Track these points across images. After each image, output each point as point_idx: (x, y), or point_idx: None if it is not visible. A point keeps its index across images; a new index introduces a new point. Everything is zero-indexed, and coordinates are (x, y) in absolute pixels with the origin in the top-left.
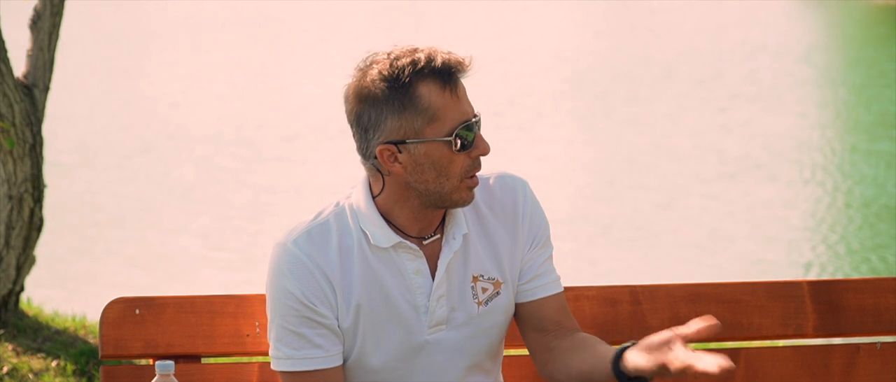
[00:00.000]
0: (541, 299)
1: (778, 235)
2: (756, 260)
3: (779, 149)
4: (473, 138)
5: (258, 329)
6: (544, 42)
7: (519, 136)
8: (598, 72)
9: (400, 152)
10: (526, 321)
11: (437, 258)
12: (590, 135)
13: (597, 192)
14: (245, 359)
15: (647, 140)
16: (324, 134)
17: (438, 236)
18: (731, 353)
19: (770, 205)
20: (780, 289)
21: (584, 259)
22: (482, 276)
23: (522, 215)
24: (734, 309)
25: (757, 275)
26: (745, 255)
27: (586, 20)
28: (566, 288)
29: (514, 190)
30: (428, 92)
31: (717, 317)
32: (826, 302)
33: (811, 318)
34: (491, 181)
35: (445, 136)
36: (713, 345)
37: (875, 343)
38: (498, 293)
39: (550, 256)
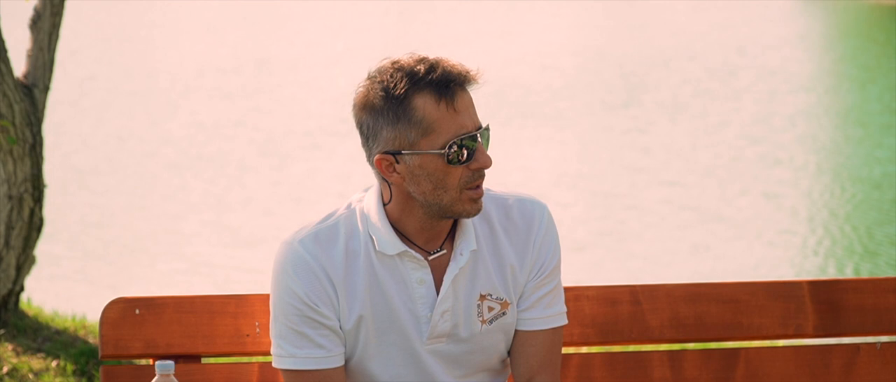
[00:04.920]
0: (529, 332)
1: (780, 230)
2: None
3: (780, 145)
4: (474, 151)
5: (258, 329)
6: (547, 40)
7: (529, 135)
8: (601, 71)
9: (397, 162)
10: (513, 348)
11: (444, 272)
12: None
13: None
14: (245, 359)
15: (654, 136)
16: (328, 130)
17: (446, 251)
18: (731, 353)
19: (775, 201)
20: (780, 289)
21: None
22: (490, 295)
23: (534, 240)
24: (734, 309)
25: (756, 274)
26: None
27: (587, 19)
28: (566, 288)
29: (532, 214)
30: (423, 104)
31: (717, 317)
32: (826, 302)
33: (811, 318)
34: (511, 202)
35: (440, 149)
36: (713, 345)
37: (875, 343)
38: (504, 313)
39: (552, 290)
